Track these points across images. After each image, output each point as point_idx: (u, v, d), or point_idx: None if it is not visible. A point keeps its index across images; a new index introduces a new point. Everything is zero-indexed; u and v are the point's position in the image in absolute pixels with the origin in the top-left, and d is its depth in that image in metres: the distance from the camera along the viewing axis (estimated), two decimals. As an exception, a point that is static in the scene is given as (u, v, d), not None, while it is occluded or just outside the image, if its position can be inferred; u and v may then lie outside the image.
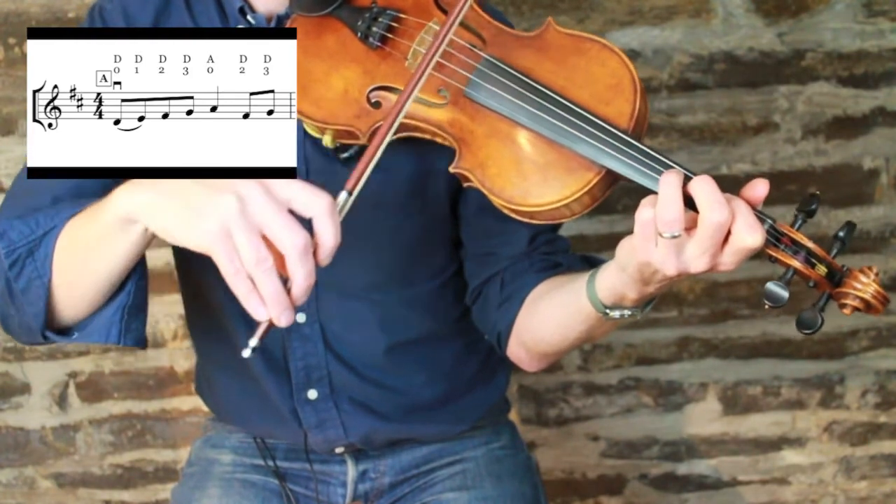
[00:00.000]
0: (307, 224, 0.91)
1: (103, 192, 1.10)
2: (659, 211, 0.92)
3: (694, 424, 2.15)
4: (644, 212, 0.94)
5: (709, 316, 2.08)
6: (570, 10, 1.87)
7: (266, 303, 0.89)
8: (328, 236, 0.91)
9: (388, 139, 0.99)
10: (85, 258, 1.05)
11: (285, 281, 0.90)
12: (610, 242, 2.00)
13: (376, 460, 1.44)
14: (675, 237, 0.92)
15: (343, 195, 0.94)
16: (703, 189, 0.92)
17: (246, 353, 0.91)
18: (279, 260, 0.89)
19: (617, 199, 1.93)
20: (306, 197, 0.91)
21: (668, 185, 0.92)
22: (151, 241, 1.01)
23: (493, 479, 1.42)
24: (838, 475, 2.19)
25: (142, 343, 1.13)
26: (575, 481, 2.18)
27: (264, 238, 0.89)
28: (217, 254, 0.89)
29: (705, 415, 2.14)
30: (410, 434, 1.42)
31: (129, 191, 0.97)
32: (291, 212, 0.91)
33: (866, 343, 2.11)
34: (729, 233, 0.93)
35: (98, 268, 1.05)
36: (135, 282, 1.08)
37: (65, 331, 1.13)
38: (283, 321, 0.90)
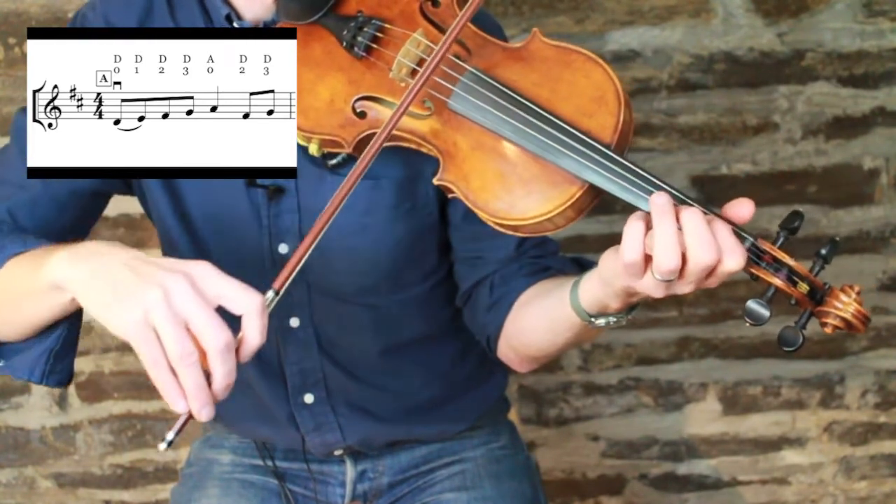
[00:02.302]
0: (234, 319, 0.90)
1: (58, 215, 1.14)
2: (659, 258, 0.92)
3: (694, 424, 2.15)
4: (629, 253, 0.94)
5: (709, 316, 2.08)
6: (570, 10, 1.86)
7: (188, 396, 0.88)
8: (254, 335, 0.89)
9: (338, 210, 0.97)
10: (15, 304, 1.05)
11: (206, 375, 0.88)
12: (609, 242, 1.98)
13: (375, 460, 1.44)
14: (669, 281, 0.93)
15: (270, 294, 0.92)
16: (694, 228, 0.92)
17: (161, 447, 0.90)
18: (201, 355, 0.87)
19: (615, 199, 1.93)
20: (236, 294, 0.89)
21: (667, 233, 0.92)
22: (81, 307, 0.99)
23: (493, 480, 1.42)
24: (838, 475, 2.19)
25: (64, 383, 1.13)
26: (575, 481, 2.18)
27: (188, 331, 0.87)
28: (136, 343, 0.88)
29: (705, 415, 2.14)
30: (409, 435, 1.42)
31: (66, 259, 0.95)
32: (220, 307, 0.89)
33: (866, 343, 2.11)
34: None
35: (26, 315, 1.05)
36: (65, 327, 1.08)
37: None
38: (203, 415, 0.88)
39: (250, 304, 0.89)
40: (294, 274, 0.94)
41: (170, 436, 0.90)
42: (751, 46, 1.93)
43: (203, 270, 0.90)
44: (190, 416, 0.89)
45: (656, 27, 1.91)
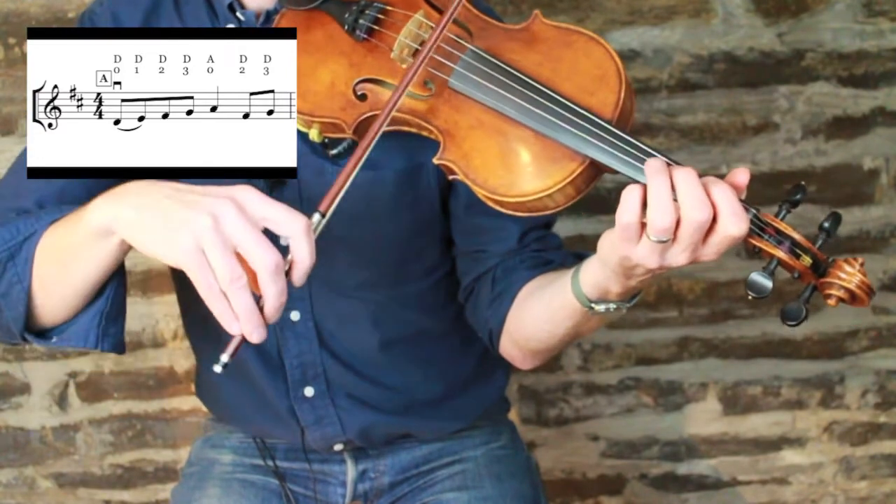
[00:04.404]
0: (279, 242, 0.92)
1: (87, 197, 1.10)
2: (652, 217, 0.92)
3: (694, 424, 2.15)
4: (625, 215, 0.94)
5: (709, 316, 2.08)
6: (570, 9, 1.87)
7: (240, 319, 0.90)
8: (304, 255, 0.92)
9: (362, 162, 0.99)
10: (63, 264, 1.05)
11: (258, 298, 0.91)
12: (610, 242, 2.00)
13: (376, 460, 1.44)
14: (662, 242, 0.92)
15: (316, 216, 0.95)
16: (686, 185, 0.92)
17: (217, 369, 0.92)
18: (253, 277, 0.90)
19: (616, 198, 1.93)
20: (282, 216, 0.92)
21: (660, 191, 0.92)
22: (129, 251, 1.01)
23: (493, 479, 1.42)
24: (838, 475, 2.19)
25: (119, 348, 1.13)
26: (575, 481, 2.18)
27: (239, 255, 0.90)
28: (190, 270, 0.90)
29: (705, 415, 2.14)
30: (408, 429, 1.42)
31: (108, 202, 0.97)
32: (268, 230, 0.91)
33: (866, 343, 2.11)
34: (714, 221, 0.92)
35: (75, 274, 1.05)
36: (113, 288, 1.08)
37: (44, 333, 1.13)
38: (255, 337, 0.91)
39: (296, 225, 0.91)
40: (339, 198, 0.96)
41: (224, 357, 0.92)
42: (751, 46, 1.93)
43: (247, 194, 0.92)
44: (243, 339, 0.91)
45: (656, 27, 1.91)
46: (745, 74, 1.94)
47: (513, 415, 1.59)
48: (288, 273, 0.92)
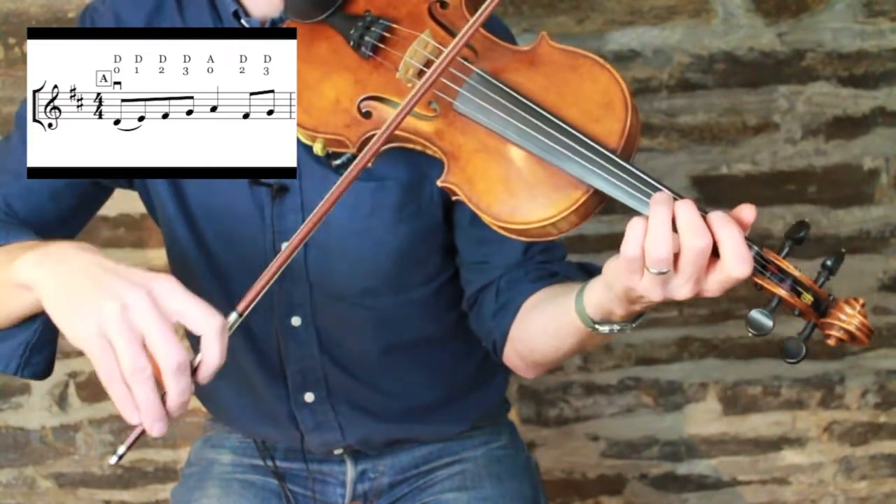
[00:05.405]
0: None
1: (51, 200, 1.10)
2: (649, 247, 0.92)
3: (694, 424, 2.15)
4: (630, 248, 0.94)
5: (709, 316, 2.08)
6: (570, 10, 1.86)
7: (140, 411, 0.88)
8: (213, 356, 0.89)
9: (336, 201, 0.97)
10: None
11: (163, 392, 0.88)
12: (610, 243, 2.00)
13: (375, 460, 1.44)
14: (662, 273, 0.92)
15: (233, 316, 0.93)
16: (683, 214, 0.92)
17: (112, 461, 0.91)
18: (157, 370, 0.88)
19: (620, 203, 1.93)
20: (197, 314, 0.89)
21: (659, 221, 0.92)
22: None
23: (493, 480, 1.42)
24: (838, 475, 2.19)
25: (40, 376, 1.12)
26: (575, 481, 2.18)
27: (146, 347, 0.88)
28: (90, 355, 0.88)
29: (705, 415, 2.15)
30: (408, 435, 1.42)
31: (35, 262, 0.95)
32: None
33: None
34: (718, 259, 0.92)
35: (2, 307, 1.04)
36: (42, 321, 1.07)
37: None
38: (155, 430, 0.88)
39: (210, 326, 0.89)
40: (259, 298, 0.94)
41: (121, 450, 0.91)
42: (751, 46, 1.93)
43: (166, 286, 0.89)
44: (143, 431, 0.89)
45: (656, 27, 1.91)
46: (745, 74, 1.94)
47: (513, 415, 1.59)
48: (194, 371, 0.89)
